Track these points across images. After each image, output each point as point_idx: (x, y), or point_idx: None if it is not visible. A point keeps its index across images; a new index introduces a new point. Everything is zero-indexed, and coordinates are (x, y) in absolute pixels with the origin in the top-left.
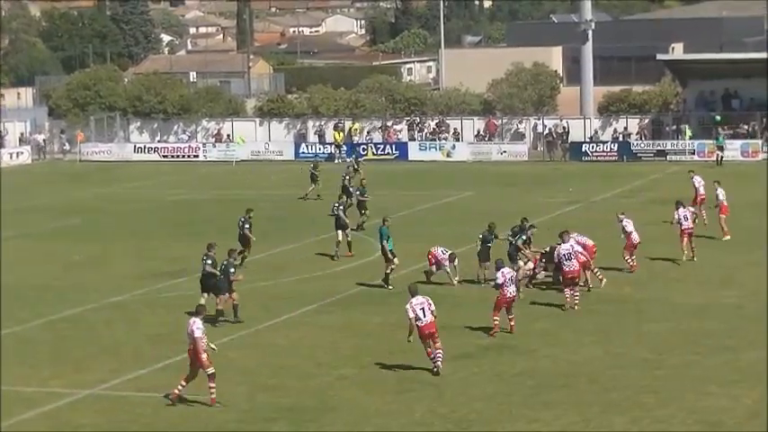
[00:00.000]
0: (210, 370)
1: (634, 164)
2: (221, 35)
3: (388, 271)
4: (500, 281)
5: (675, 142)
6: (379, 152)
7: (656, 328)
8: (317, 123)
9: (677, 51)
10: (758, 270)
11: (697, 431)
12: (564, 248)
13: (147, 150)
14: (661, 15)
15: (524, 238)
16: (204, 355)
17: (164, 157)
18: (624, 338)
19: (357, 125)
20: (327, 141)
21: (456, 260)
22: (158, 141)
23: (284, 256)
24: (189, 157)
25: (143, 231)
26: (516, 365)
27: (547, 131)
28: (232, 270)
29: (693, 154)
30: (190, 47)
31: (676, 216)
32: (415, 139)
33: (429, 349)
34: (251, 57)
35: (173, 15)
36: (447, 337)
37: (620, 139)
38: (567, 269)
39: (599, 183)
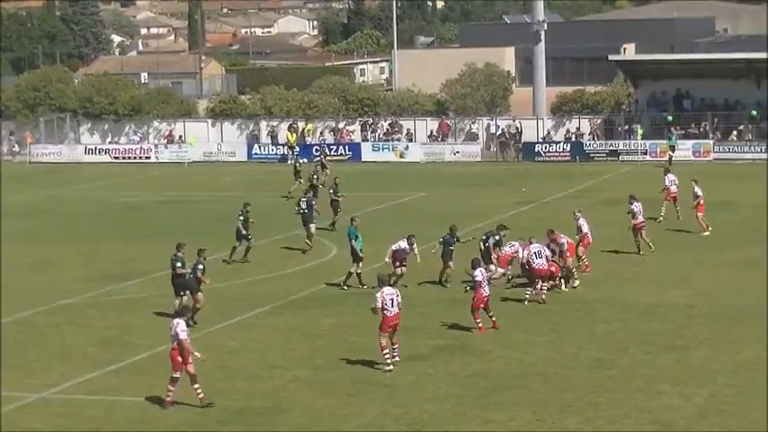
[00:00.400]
0: (191, 371)
1: (587, 164)
2: (173, 36)
3: (359, 271)
4: (479, 278)
5: (628, 142)
6: (332, 153)
7: (608, 328)
8: (270, 124)
9: (629, 52)
10: (708, 270)
11: (650, 431)
12: (534, 247)
13: (97, 152)
14: (613, 16)
15: (497, 238)
16: (191, 356)
17: (115, 158)
18: (577, 338)
19: (310, 126)
20: (280, 142)
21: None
22: (109, 143)
23: (237, 258)
24: (140, 158)
25: (93, 234)
26: (469, 366)
27: (500, 132)
28: (200, 267)
29: (646, 154)
30: (141, 48)
31: (632, 208)
32: (368, 140)
33: (385, 342)
34: (203, 57)
35: (123, 16)
36: (400, 338)
37: (573, 139)
38: (537, 267)
39: (552, 183)
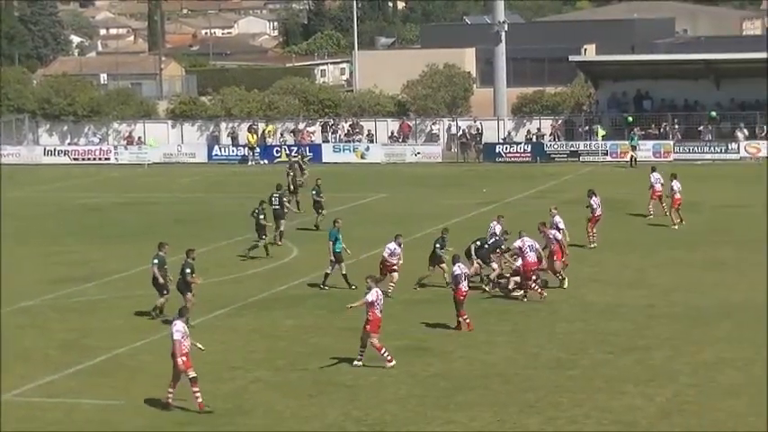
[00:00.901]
0: (191, 374)
1: (547, 165)
2: (132, 37)
3: (329, 271)
4: (457, 272)
5: (588, 143)
6: (292, 154)
7: (569, 328)
8: (231, 125)
9: (590, 53)
10: (666, 270)
11: (611, 431)
12: (528, 240)
13: (57, 153)
14: (573, 17)
15: (502, 247)
16: (181, 359)
17: (74, 160)
18: (538, 339)
19: (270, 127)
20: (241, 144)
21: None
22: (68, 144)
23: (197, 260)
24: (100, 159)
25: (52, 235)
26: (430, 367)
27: (461, 133)
28: (188, 270)
29: (606, 155)
30: (100, 48)
31: (590, 202)
32: (328, 141)
33: (378, 342)
34: (163, 58)
35: (82, 16)
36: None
37: (534, 140)
38: (530, 260)
39: (513, 184)
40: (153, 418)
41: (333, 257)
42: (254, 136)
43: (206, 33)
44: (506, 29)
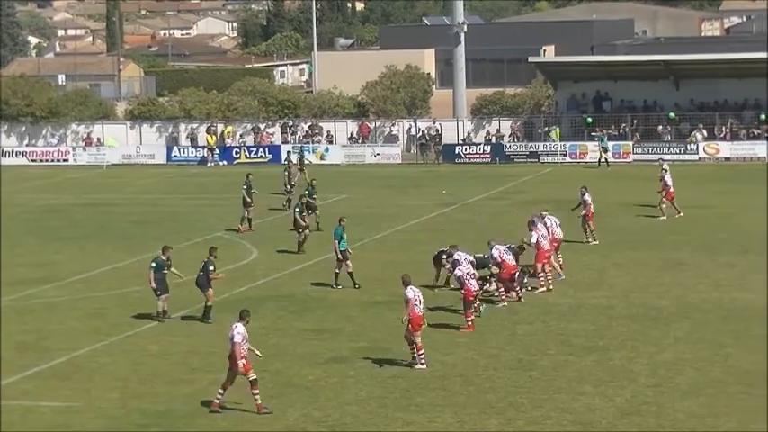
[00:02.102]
0: (252, 376)
1: (507, 165)
2: (90, 38)
3: (338, 270)
4: (458, 273)
5: (548, 144)
6: (252, 155)
7: (529, 329)
8: (190, 127)
9: (549, 54)
10: (626, 271)
11: (571, 431)
12: (500, 246)
13: (14, 155)
14: (533, 18)
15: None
16: (242, 362)
17: (32, 161)
18: (498, 340)
19: (230, 128)
20: (200, 145)
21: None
22: (27, 145)
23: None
24: (58, 161)
25: (10, 237)
26: (391, 368)
27: (420, 134)
28: (211, 268)
29: (566, 156)
30: (58, 49)
31: (584, 199)
32: (288, 142)
33: (419, 341)
34: (121, 59)
35: (40, 17)
36: (321, 341)
37: (493, 141)
38: (510, 263)
39: (472, 185)
40: (112, 421)
41: (339, 256)
42: (214, 137)
43: (165, 34)
44: (466, 30)
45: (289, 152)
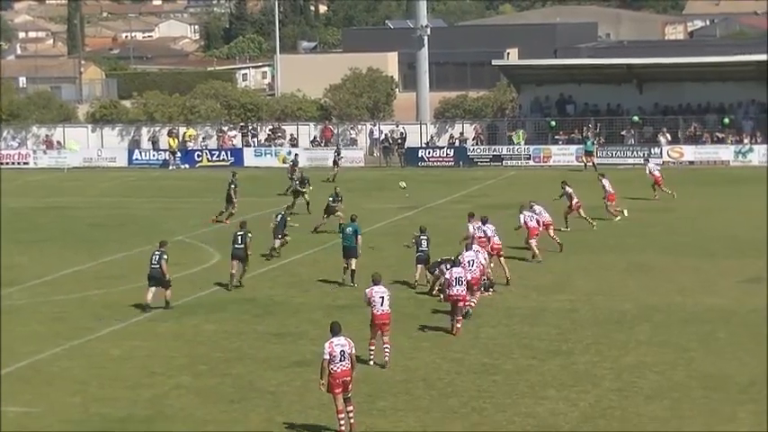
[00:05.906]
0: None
1: (470, 169)
2: (51, 40)
3: (354, 268)
4: (447, 276)
5: (511, 147)
6: (213, 158)
7: (492, 333)
8: (151, 130)
9: (512, 57)
10: (589, 274)
11: None
12: (468, 255)
13: None
14: (496, 21)
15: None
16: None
17: None
18: (461, 344)
19: (191, 131)
20: (161, 148)
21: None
22: None
23: (116, 265)
24: (19, 164)
25: None
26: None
27: (383, 137)
28: (249, 235)
29: (529, 159)
30: (19, 51)
31: (567, 191)
32: (250, 145)
33: (373, 340)
34: (82, 62)
35: (1, 20)
36: (284, 344)
37: (457, 144)
38: (471, 275)
39: (436, 188)
40: (72, 425)
41: (356, 251)
42: (175, 140)
43: (126, 37)
44: (429, 33)
45: (296, 154)
